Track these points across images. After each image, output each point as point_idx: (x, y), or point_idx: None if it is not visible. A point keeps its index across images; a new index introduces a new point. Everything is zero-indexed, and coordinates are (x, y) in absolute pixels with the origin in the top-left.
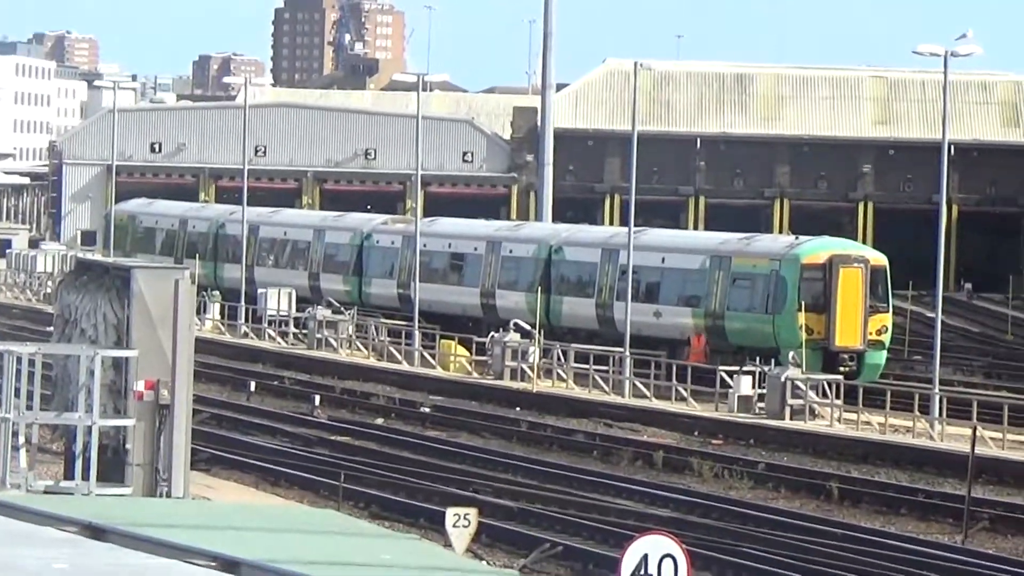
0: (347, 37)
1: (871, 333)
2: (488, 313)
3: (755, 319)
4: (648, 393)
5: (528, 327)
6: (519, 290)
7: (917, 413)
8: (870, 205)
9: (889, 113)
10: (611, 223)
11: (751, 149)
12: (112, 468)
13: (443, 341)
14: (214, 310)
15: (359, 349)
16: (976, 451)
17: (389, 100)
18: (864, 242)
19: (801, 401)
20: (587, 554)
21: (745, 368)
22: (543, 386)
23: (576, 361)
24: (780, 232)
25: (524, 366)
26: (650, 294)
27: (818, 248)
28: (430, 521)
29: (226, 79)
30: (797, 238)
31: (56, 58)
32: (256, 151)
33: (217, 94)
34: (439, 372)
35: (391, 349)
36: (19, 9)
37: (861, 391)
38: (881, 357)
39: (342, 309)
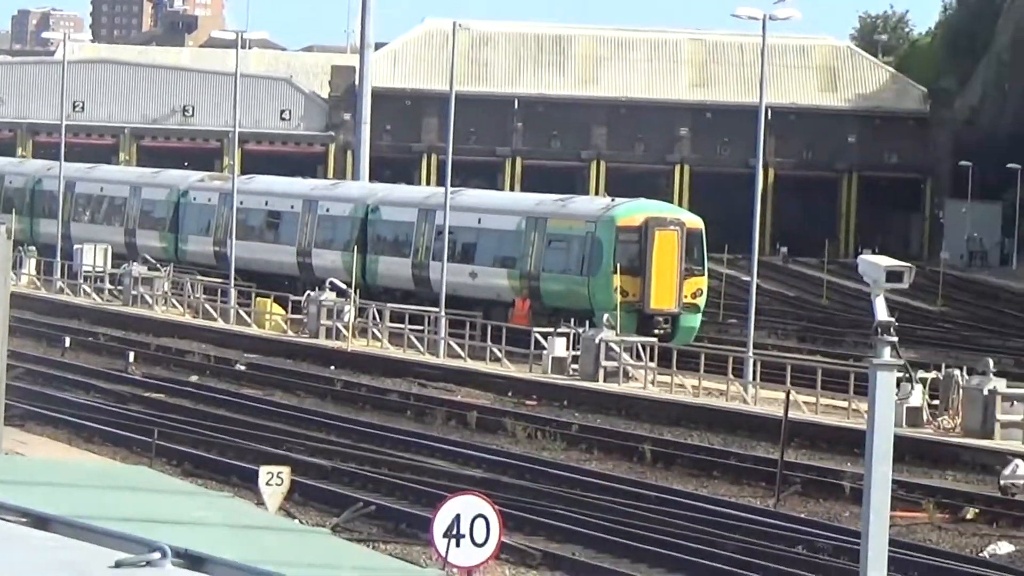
0: None
1: (686, 296)
2: (304, 272)
3: (570, 281)
4: (463, 353)
5: (344, 286)
6: (335, 249)
7: (731, 376)
8: (687, 168)
9: (706, 76)
10: (428, 183)
11: (568, 111)
12: None
13: (259, 299)
14: (30, 265)
15: (175, 306)
16: (789, 415)
17: (207, 57)
18: (680, 205)
19: (615, 363)
20: (399, 514)
21: (560, 330)
22: (358, 345)
23: (392, 321)
24: (596, 194)
25: (339, 325)
26: (466, 255)
27: (634, 210)
28: (243, 479)
29: (45, 34)
30: (613, 200)
31: None
32: (74, 107)
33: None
34: (255, 330)
35: (207, 307)
36: None
37: (675, 354)
38: (696, 320)
39: (158, 266)
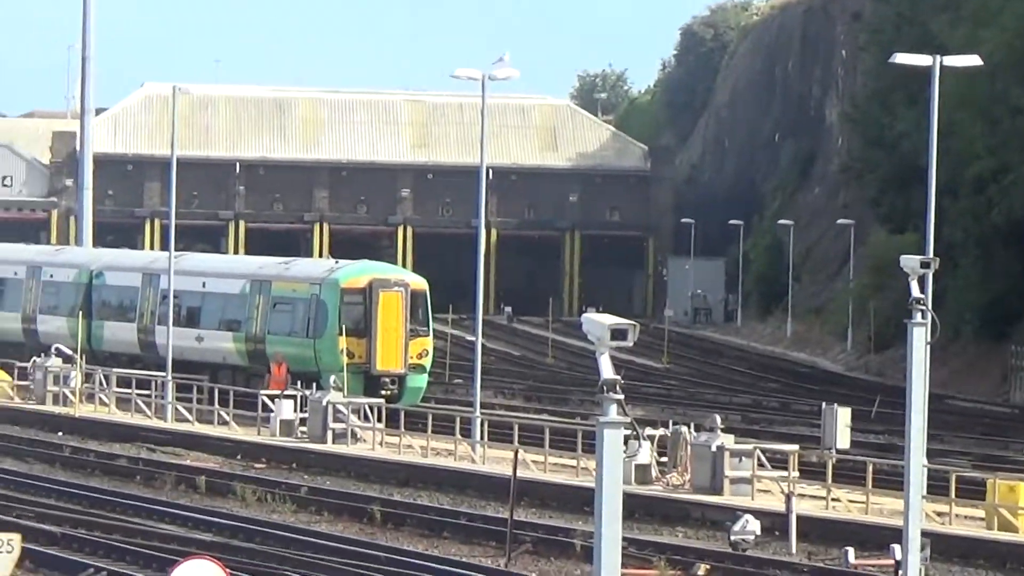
0: None
1: (412, 356)
2: (30, 338)
3: (297, 343)
4: (190, 417)
5: (70, 352)
6: (60, 315)
7: (459, 436)
8: (410, 229)
9: (428, 137)
10: (152, 247)
11: (290, 173)
12: None
13: None
14: None
15: None
16: (518, 474)
17: None
18: (404, 266)
19: (343, 425)
20: None
21: (287, 392)
22: (85, 411)
23: (119, 386)
24: (320, 256)
25: (66, 391)
26: (192, 318)
27: (358, 272)
28: None
29: None
30: (337, 262)
31: None
32: None
33: None
34: None
35: None
36: None
37: (403, 414)
38: (422, 380)
39: None
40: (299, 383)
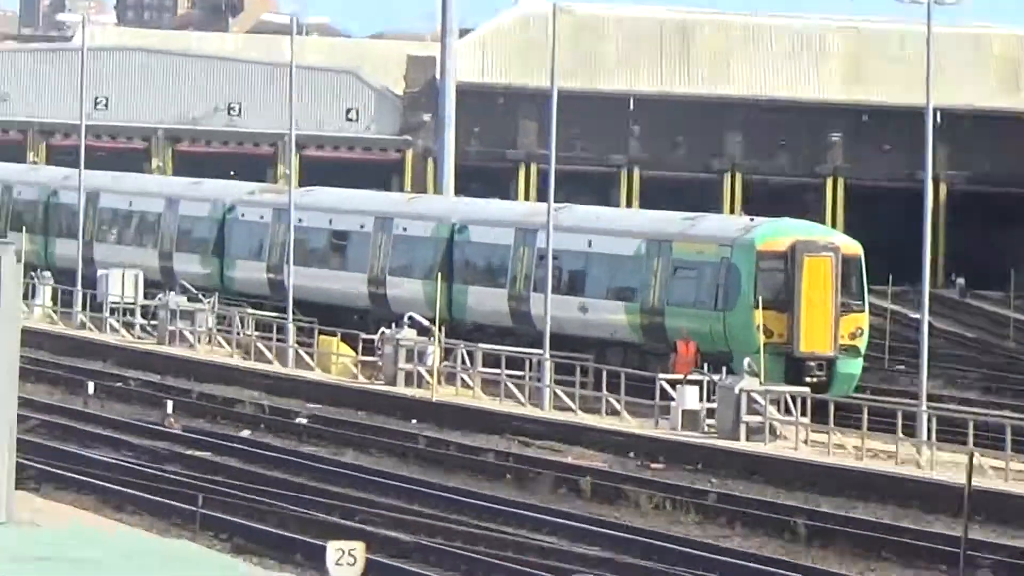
0: None
1: (843, 336)
2: (377, 304)
3: (702, 317)
4: (572, 405)
5: (426, 322)
6: (415, 277)
7: (901, 435)
8: (840, 181)
9: (862, 71)
10: (526, 198)
11: (696, 112)
12: None
13: (323, 338)
14: (45, 295)
15: (221, 345)
16: (973, 483)
17: (257, 45)
18: (834, 226)
19: (759, 418)
20: None
21: (691, 377)
22: (445, 394)
23: (485, 364)
24: (732, 212)
25: (421, 369)
26: (574, 285)
27: (778, 232)
28: (307, 557)
29: (60, 16)
30: (752, 220)
31: None
32: (96, 103)
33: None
34: (318, 375)
35: (260, 346)
36: None
37: (832, 407)
38: (856, 366)
39: (200, 296)
40: (705, 365)
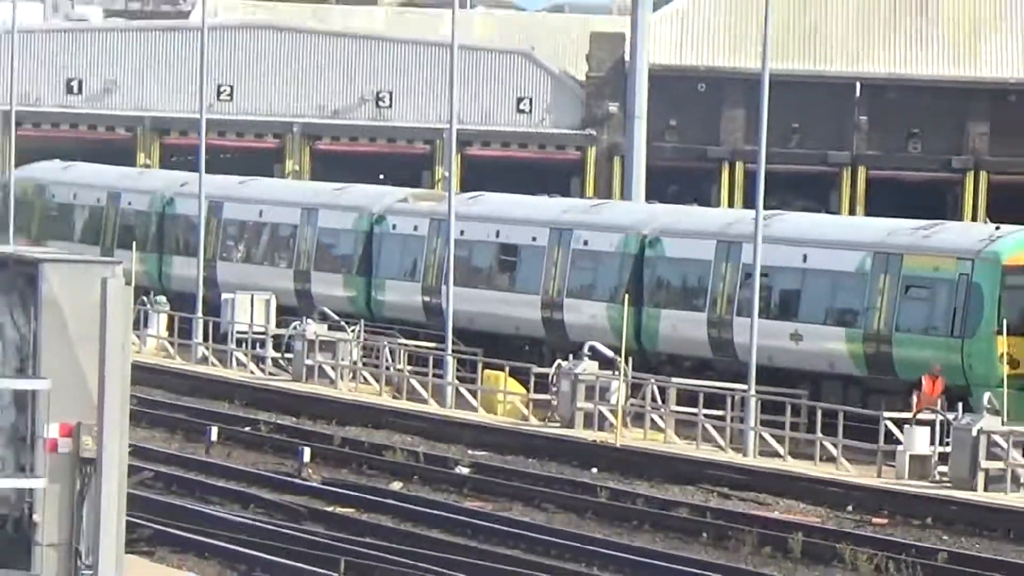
0: None
1: None
2: (553, 332)
3: (936, 344)
4: (781, 450)
5: (611, 353)
6: (598, 299)
7: None
8: None
9: None
10: (731, 204)
11: (934, 98)
12: (13, 549)
13: (488, 372)
14: (159, 323)
15: (367, 382)
16: None
17: (410, 21)
18: None
19: (1001, 465)
20: None
21: (921, 416)
22: (632, 438)
23: (679, 403)
24: (974, 219)
25: (604, 409)
26: (786, 308)
27: None
28: None
29: None
30: (998, 228)
31: None
32: (219, 93)
33: (162, 9)
34: (482, 416)
35: (413, 383)
36: None
37: None
38: None
39: (343, 324)
40: (938, 402)
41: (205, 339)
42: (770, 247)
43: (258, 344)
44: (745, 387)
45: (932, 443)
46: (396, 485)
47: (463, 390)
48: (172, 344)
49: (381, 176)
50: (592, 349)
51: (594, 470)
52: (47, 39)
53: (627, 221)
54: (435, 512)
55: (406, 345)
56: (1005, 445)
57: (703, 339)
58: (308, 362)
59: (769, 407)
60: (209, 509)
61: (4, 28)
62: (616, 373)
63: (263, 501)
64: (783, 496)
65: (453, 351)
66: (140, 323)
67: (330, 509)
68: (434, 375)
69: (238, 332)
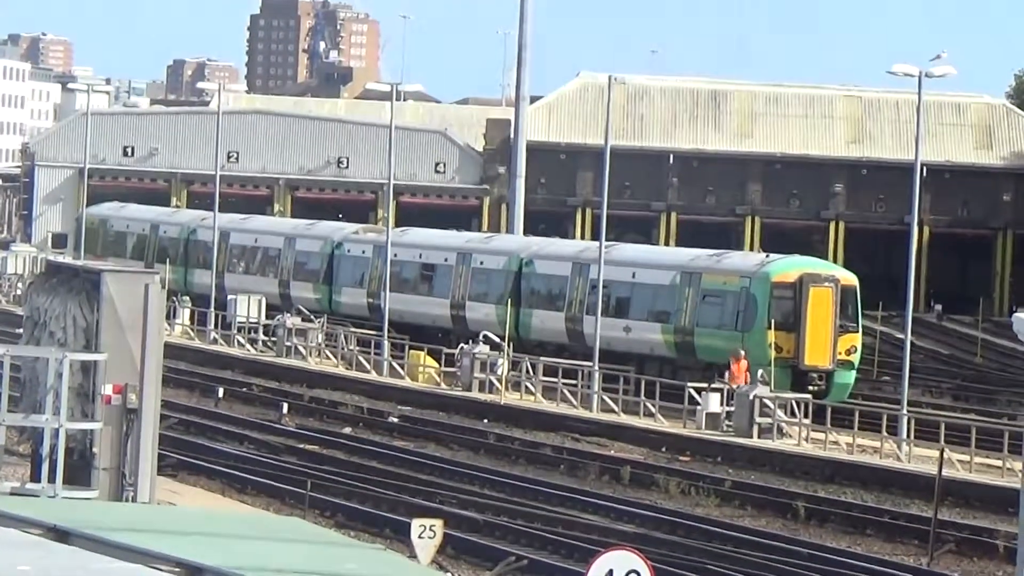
0: (322, 45)
1: (840, 353)
2: (458, 324)
3: (725, 336)
4: (616, 408)
5: (497, 339)
6: (489, 302)
7: (885, 434)
8: (841, 224)
9: (862, 132)
10: (582, 237)
11: (723, 166)
12: (79, 472)
13: (412, 352)
14: (184, 315)
15: (328, 358)
16: (943, 473)
17: (363, 109)
18: (835, 261)
19: (769, 419)
20: (552, 568)
21: (714, 385)
22: (511, 399)
23: (545, 374)
24: (751, 250)
25: (493, 378)
26: (620, 309)
27: (789, 266)
28: (396, 532)
29: (200, 84)
30: (768, 256)
31: (31, 59)
32: (229, 157)
33: (191, 99)
34: (408, 383)
35: (360, 358)
36: None
37: (829, 411)
38: (850, 377)
39: (312, 317)
40: (747, 377)
41: (216, 327)
42: (609, 267)
43: (253, 330)
44: (591, 364)
45: (722, 404)
46: (347, 429)
47: (395, 364)
48: (193, 330)
49: (340, 216)
50: (485, 336)
51: (485, 421)
52: (110, 119)
53: (510, 248)
54: (374, 449)
55: (355, 332)
56: (772, 406)
57: (562, 330)
58: (287, 343)
59: (608, 378)
60: (215, 445)
61: (81, 111)
62: (501, 353)
63: (254, 440)
64: (617, 440)
65: (388, 336)
66: (171, 315)
67: (300, 446)
68: (375, 353)
69: (239, 322)
